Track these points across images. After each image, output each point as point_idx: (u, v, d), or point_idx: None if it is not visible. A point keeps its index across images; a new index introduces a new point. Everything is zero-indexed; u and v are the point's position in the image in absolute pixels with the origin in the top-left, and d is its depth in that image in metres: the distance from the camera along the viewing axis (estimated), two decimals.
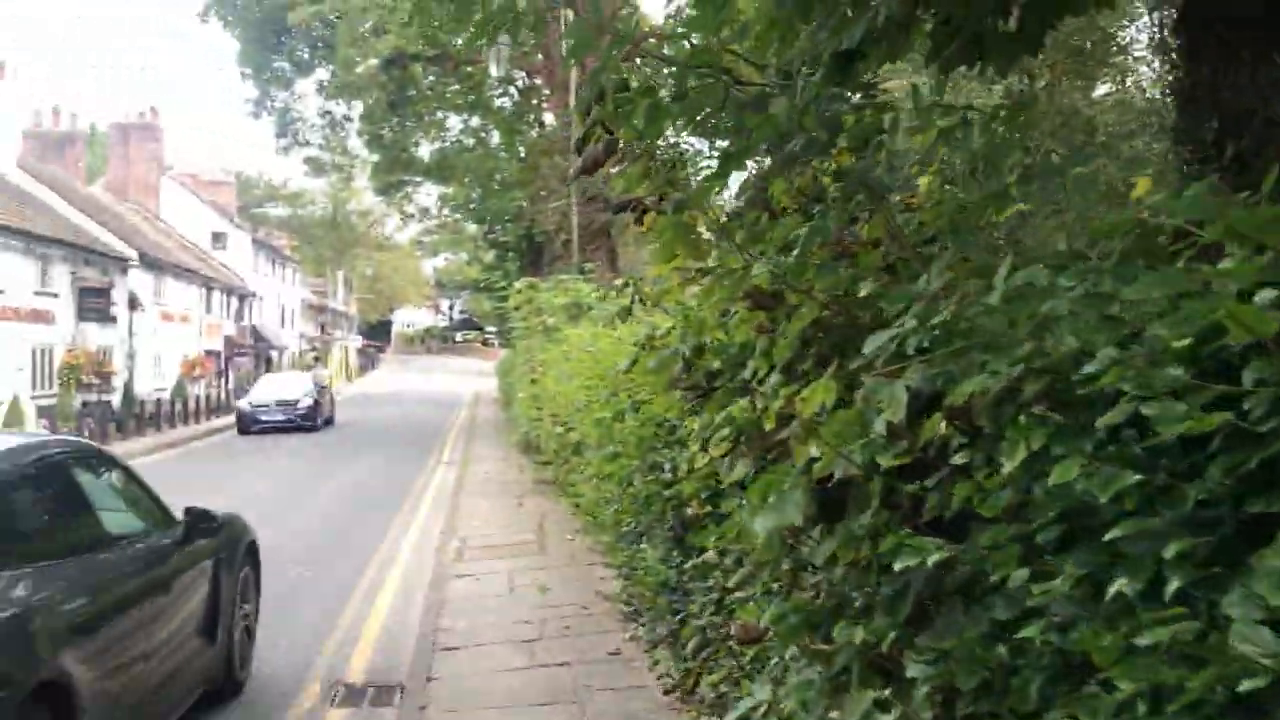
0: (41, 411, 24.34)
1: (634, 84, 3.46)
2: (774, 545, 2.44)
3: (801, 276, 2.66)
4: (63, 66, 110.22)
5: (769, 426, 2.67)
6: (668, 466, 5.18)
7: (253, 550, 6.73)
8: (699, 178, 3.80)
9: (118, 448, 23.88)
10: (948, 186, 2.93)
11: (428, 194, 45.09)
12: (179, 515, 5.73)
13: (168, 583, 5.25)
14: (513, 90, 38.28)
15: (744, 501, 2.94)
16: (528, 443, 15.95)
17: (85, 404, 26.92)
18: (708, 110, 3.46)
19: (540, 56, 29.83)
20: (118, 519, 5.26)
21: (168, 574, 5.29)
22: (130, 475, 5.82)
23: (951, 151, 2.76)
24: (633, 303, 6.09)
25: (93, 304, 27.67)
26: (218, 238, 50.37)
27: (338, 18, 23.60)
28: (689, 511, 4.53)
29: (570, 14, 21.67)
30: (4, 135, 30.40)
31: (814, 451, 2.16)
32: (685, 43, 3.49)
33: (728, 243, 3.27)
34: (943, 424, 1.88)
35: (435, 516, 14.22)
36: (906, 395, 1.93)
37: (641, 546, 6.20)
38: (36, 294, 24.84)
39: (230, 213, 54.32)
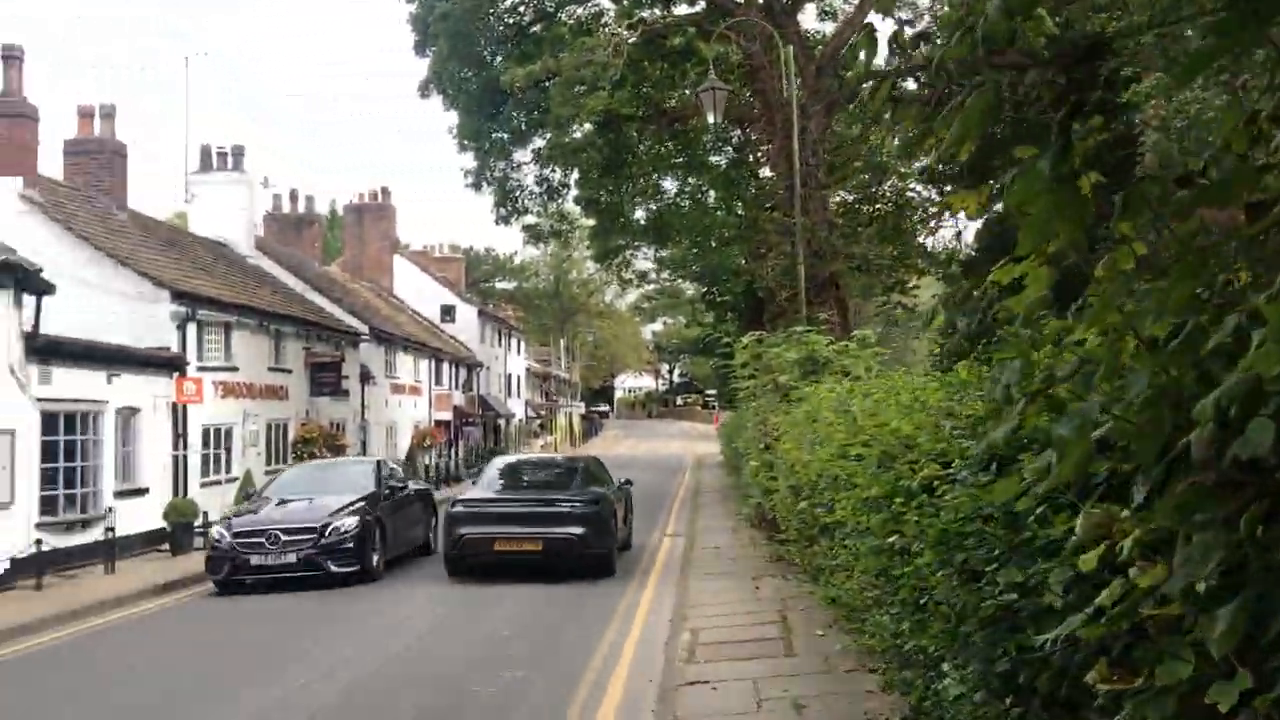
0: None
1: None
2: None
3: None
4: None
5: None
6: (1003, 582, 3.51)
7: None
8: None
9: None
10: None
11: (645, 258, 44.74)
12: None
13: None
14: (728, 149, 37.48)
15: None
16: (760, 515, 14.41)
17: None
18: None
19: (754, 106, 28.70)
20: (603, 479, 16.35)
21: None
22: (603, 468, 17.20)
23: None
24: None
25: (324, 378, 28.20)
26: (447, 311, 51.63)
27: (550, 79, 23.16)
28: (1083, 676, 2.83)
29: (792, 49, 20.37)
30: (240, 221, 31.76)
31: None
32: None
33: None
34: None
35: (662, 599, 12.81)
36: None
37: (944, 683, 4.50)
38: (270, 370, 25.40)
39: (459, 287, 55.82)
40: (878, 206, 38.30)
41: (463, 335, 50.81)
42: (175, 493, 20.32)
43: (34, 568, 14.73)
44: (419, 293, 50.88)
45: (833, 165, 28.28)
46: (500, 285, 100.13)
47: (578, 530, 14.31)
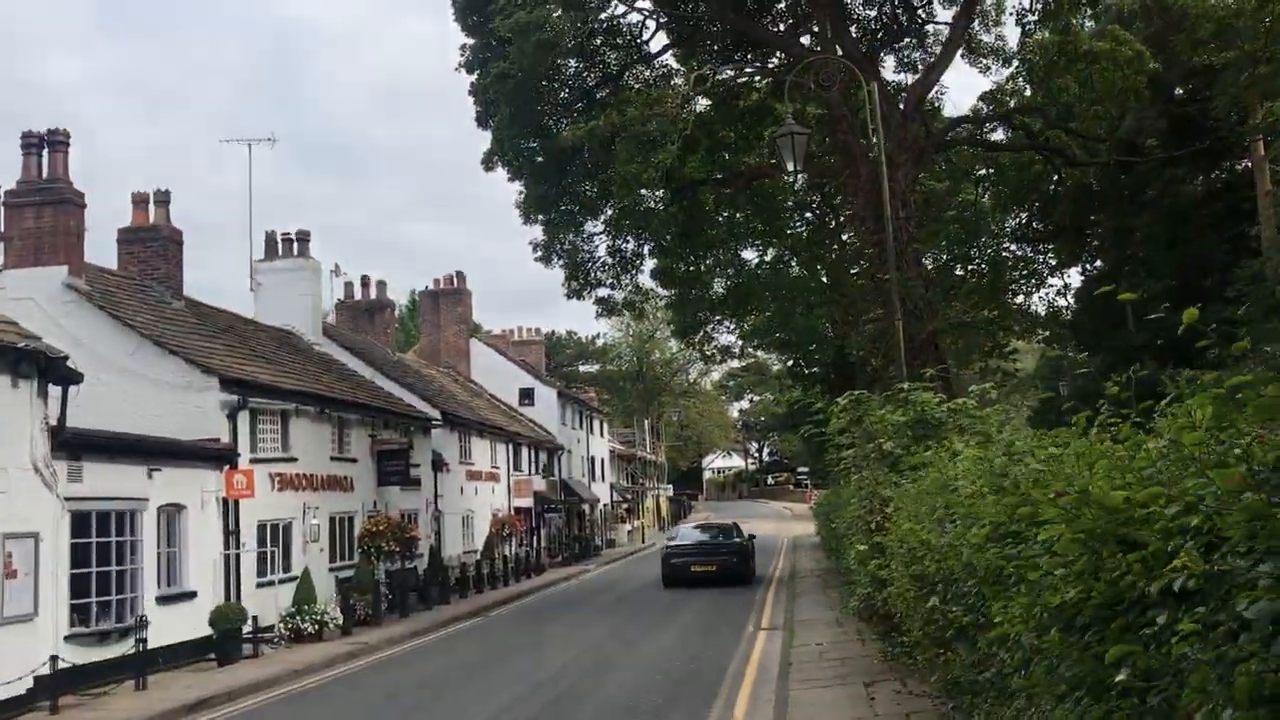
0: (340, 584, 23.12)
1: None
2: None
3: None
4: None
5: None
6: None
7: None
8: None
9: (400, 625, 22.06)
10: None
11: (727, 331, 42.87)
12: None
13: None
14: (808, 215, 35.75)
15: None
16: (871, 609, 12.26)
17: (390, 573, 25.67)
18: None
19: (834, 160, 26.97)
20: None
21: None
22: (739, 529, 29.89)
23: None
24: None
25: (392, 467, 26.73)
26: (525, 394, 50.30)
27: (616, 138, 21.67)
28: None
29: (876, 89, 18.63)
30: (305, 307, 30.83)
31: None
32: None
33: None
34: None
35: (759, 716, 10.70)
36: None
37: None
38: (333, 459, 24.00)
39: (539, 370, 54.56)
40: (972, 267, 36.18)
41: (542, 418, 49.33)
42: (227, 596, 18.80)
43: (52, 687, 13.16)
44: (497, 376, 49.69)
45: (922, 221, 26.33)
46: (583, 368, 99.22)
47: (735, 559, 28.44)
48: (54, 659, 13.13)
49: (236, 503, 19.37)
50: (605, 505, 59.82)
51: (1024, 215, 36.33)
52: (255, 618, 18.18)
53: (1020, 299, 37.44)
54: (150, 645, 16.38)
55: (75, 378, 14.71)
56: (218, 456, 19.02)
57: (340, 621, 20.57)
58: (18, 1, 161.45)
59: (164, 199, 23.61)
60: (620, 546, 57.93)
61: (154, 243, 23.53)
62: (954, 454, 7.81)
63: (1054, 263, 37.62)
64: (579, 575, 37.34)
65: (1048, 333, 39.73)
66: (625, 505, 66.89)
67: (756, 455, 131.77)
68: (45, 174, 19.88)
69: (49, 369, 14.25)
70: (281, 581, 20.85)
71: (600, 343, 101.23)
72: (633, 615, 22.14)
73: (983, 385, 11.69)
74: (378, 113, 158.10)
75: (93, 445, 15.51)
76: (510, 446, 40.62)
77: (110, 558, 15.76)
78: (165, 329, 20.85)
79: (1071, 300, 38.31)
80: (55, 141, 20.07)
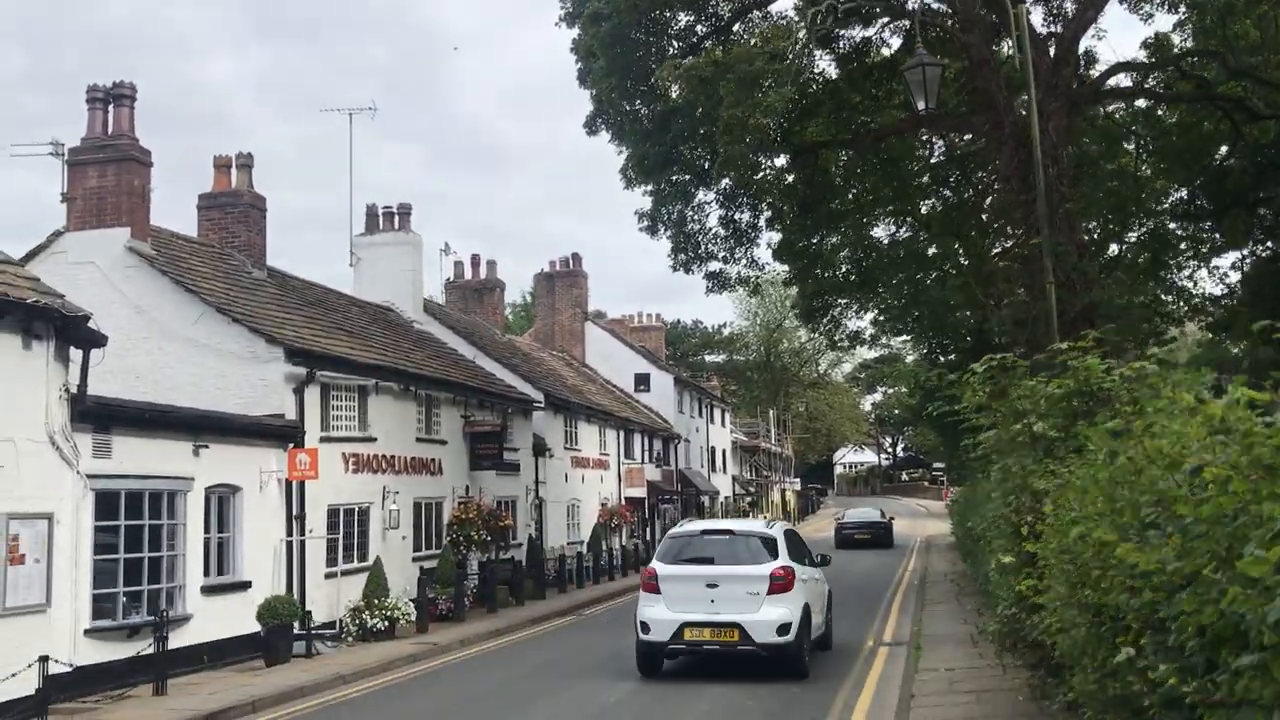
0: (424, 576, 21.39)
1: None
2: None
3: None
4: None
5: None
6: None
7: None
8: None
9: (484, 623, 20.15)
10: None
11: (856, 317, 39.85)
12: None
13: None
14: (945, 192, 32.54)
15: None
16: (1015, 633, 9.62)
17: (482, 564, 23.90)
18: None
19: (973, 112, 23.89)
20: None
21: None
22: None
23: None
24: None
25: (485, 450, 24.93)
26: (641, 380, 48.24)
27: (716, 84, 19.15)
28: None
29: (1025, 17, 15.75)
30: (406, 284, 29.36)
31: None
32: None
33: None
34: None
35: None
36: None
37: None
38: (419, 440, 22.27)
39: (657, 356, 52.42)
40: (1131, 239, 32.48)
41: (658, 405, 47.20)
42: (289, 588, 17.18)
43: (47, 689, 11.54)
44: (613, 361, 47.79)
45: (1076, 180, 23.09)
46: (709, 358, 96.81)
47: (881, 531, 44.61)
48: (44, 659, 11.48)
49: (303, 485, 17.72)
50: (726, 498, 57.38)
51: (1184, 191, 32.31)
52: (309, 613, 16.47)
53: (1186, 278, 33.49)
54: (194, 641, 14.92)
55: (98, 340, 13.14)
56: (280, 434, 17.40)
57: (413, 617, 18.75)
58: (182, 6, 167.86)
59: (247, 163, 22.27)
60: None
61: (234, 209, 22.20)
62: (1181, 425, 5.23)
63: (1219, 243, 33.47)
64: None
65: (1216, 315, 35.50)
66: (748, 498, 64.30)
67: (890, 450, 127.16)
68: (110, 130, 18.66)
69: (67, 329, 12.69)
70: (354, 572, 19.16)
71: (727, 332, 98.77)
72: None
73: (1167, 347, 8.89)
74: (516, 111, 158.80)
75: (123, 417, 13.94)
76: (621, 433, 38.59)
77: (143, 543, 14.16)
78: (237, 297, 19.40)
79: (1238, 286, 34.08)
80: (120, 96, 18.81)
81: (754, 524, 18.27)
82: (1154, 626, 4.47)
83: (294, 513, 17.62)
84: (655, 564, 14.29)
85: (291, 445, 17.52)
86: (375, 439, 20.47)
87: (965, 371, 9.23)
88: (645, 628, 13.51)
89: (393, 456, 21.07)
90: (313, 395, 18.51)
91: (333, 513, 18.93)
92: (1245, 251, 34.63)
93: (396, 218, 29.94)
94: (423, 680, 14.13)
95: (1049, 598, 6.56)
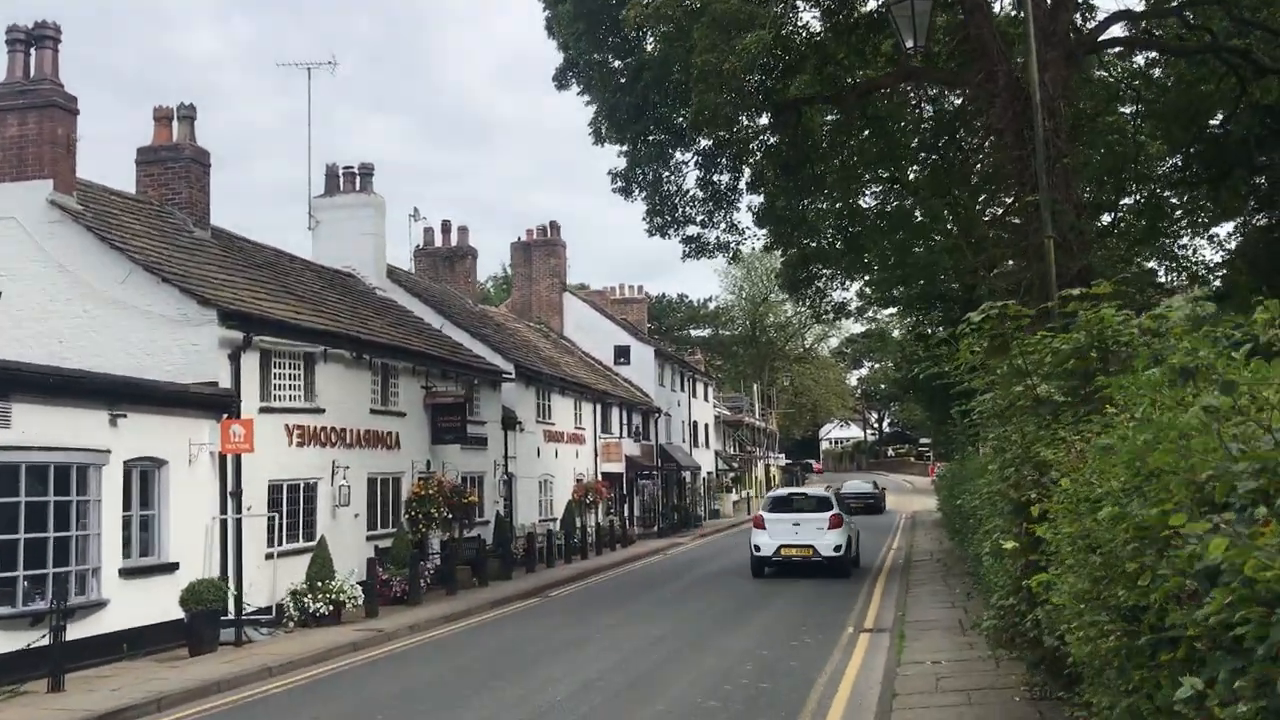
0: (380, 555, 20.11)
1: None
2: None
3: None
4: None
5: None
6: None
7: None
8: None
9: (441, 605, 18.86)
10: None
11: (842, 288, 38.49)
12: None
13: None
14: (933, 157, 31.15)
15: None
16: (1013, 627, 8.35)
17: (445, 543, 22.61)
18: None
19: (963, 59, 22.50)
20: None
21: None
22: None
23: None
24: None
25: (447, 422, 23.58)
26: (621, 353, 46.85)
27: (689, 27, 17.71)
28: None
29: None
30: (367, 248, 27.85)
31: None
32: None
33: None
34: None
35: None
36: None
37: None
38: (374, 412, 20.92)
39: (639, 329, 50.98)
40: (1127, 203, 31.22)
41: (638, 378, 45.87)
42: (223, 570, 15.85)
43: None
44: (592, 333, 46.38)
45: (1073, 136, 21.77)
46: (694, 332, 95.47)
47: (873, 500, 51.50)
48: None
49: (238, 459, 16.36)
50: (709, 473, 56.19)
51: (1180, 158, 30.99)
52: (238, 596, 15.16)
53: (1183, 246, 32.30)
54: (110, 629, 13.62)
55: None
56: (212, 403, 16.01)
57: (360, 601, 17.46)
58: None
59: (189, 114, 20.73)
60: (724, 518, 54.34)
61: (175, 163, 20.69)
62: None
63: (1216, 211, 32.23)
64: (670, 549, 33.87)
65: (1214, 285, 34.28)
66: (731, 474, 63.14)
67: (876, 426, 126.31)
68: (31, 74, 17.15)
69: None
70: (299, 553, 17.82)
71: (712, 306, 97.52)
72: (713, 604, 18.53)
73: (1191, 294, 7.57)
74: (505, 85, 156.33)
75: (25, 382, 12.56)
76: (598, 406, 37.27)
77: (48, 522, 12.80)
78: (172, 256, 17.95)
79: (1233, 255, 32.82)
80: (43, 38, 17.29)
81: (817, 490, 29.89)
82: (1227, 648, 3.20)
83: (229, 489, 16.27)
84: (761, 513, 24.34)
85: (225, 416, 16.14)
86: (323, 410, 19.09)
87: (961, 322, 7.92)
88: (757, 549, 23.36)
89: (343, 429, 19.71)
90: (251, 362, 17.11)
91: (274, 489, 17.57)
92: (1240, 220, 33.43)
93: (358, 178, 28.42)
94: (357, 672, 12.83)
95: (1061, 596, 5.27)
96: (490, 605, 19.43)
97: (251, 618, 15.65)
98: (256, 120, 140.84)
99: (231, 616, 14.75)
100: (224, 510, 16.14)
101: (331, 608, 16.79)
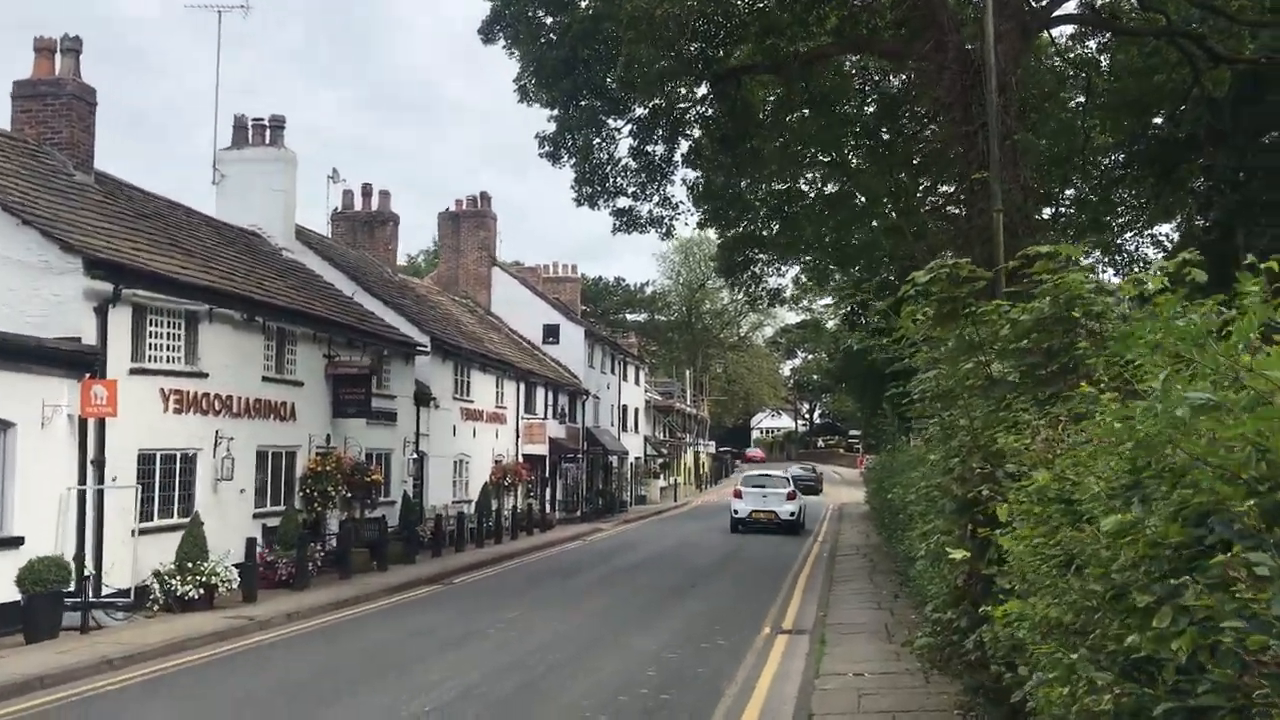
0: (269, 534, 18.56)
1: None
2: None
3: None
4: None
5: None
6: None
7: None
8: None
9: (330, 591, 17.36)
10: None
11: (778, 275, 37.45)
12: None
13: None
14: (872, 141, 30.13)
15: None
16: (953, 647, 7.10)
17: (344, 523, 21.08)
18: None
19: (911, 30, 21.41)
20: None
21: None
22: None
23: None
24: None
25: (350, 395, 22.03)
26: (550, 331, 45.34)
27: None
28: None
29: None
30: (275, 206, 26.06)
31: None
32: None
33: None
34: None
35: None
36: None
37: None
38: (267, 380, 19.30)
39: (572, 309, 49.46)
40: (1068, 200, 30.59)
41: (567, 359, 44.45)
42: (80, 544, 14.21)
43: None
44: (521, 311, 44.82)
45: (1023, 113, 20.85)
46: (630, 317, 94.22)
47: (812, 482, 59.65)
48: None
49: (102, 424, 14.72)
50: (637, 459, 54.99)
51: (1123, 153, 30.38)
52: (95, 577, 13.60)
53: (1125, 240, 31.78)
54: None
55: None
56: (72, 360, 14.33)
57: (236, 584, 15.89)
58: None
59: (73, 47, 18.89)
60: (650, 504, 53.22)
61: (56, 100, 18.80)
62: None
63: (1152, 210, 31.75)
64: (589, 535, 32.60)
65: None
66: (660, 460, 62.04)
67: (807, 417, 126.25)
68: None
69: None
70: (173, 529, 16.19)
71: (649, 291, 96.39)
72: (625, 597, 17.27)
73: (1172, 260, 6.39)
74: (456, 65, 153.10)
75: None
76: (522, 385, 35.79)
77: None
78: (40, 199, 16.15)
79: (1171, 256, 32.35)
80: None
81: (780, 471, 40.45)
82: None
83: (90, 457, 14.61)
84: (739, 487, 33.97)
85: (88, 375, 14.48)
86: (207, 375, 17.43)
87: (905, 283, 6.69)
88: (735, 512, 32.73)
89: (230, 397, 18.07)
90: (122, 317, 15.43)
91: (146, 459, 15.92)
92: (1179, 219, 32.96)
93: (268, 131, 26.58)
94: (209, 668, 11.33)
95: (1025, 629, 4.02)
96: (386, 592, 17.98)
97: (107, 601, 14.05)
98: (200, 88, 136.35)
99: (80, 599, 13.12)
100: (83, 480, 14.47)
101: (203, 591, 15.23)
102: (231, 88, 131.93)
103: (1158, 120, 27.94)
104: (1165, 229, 33.66)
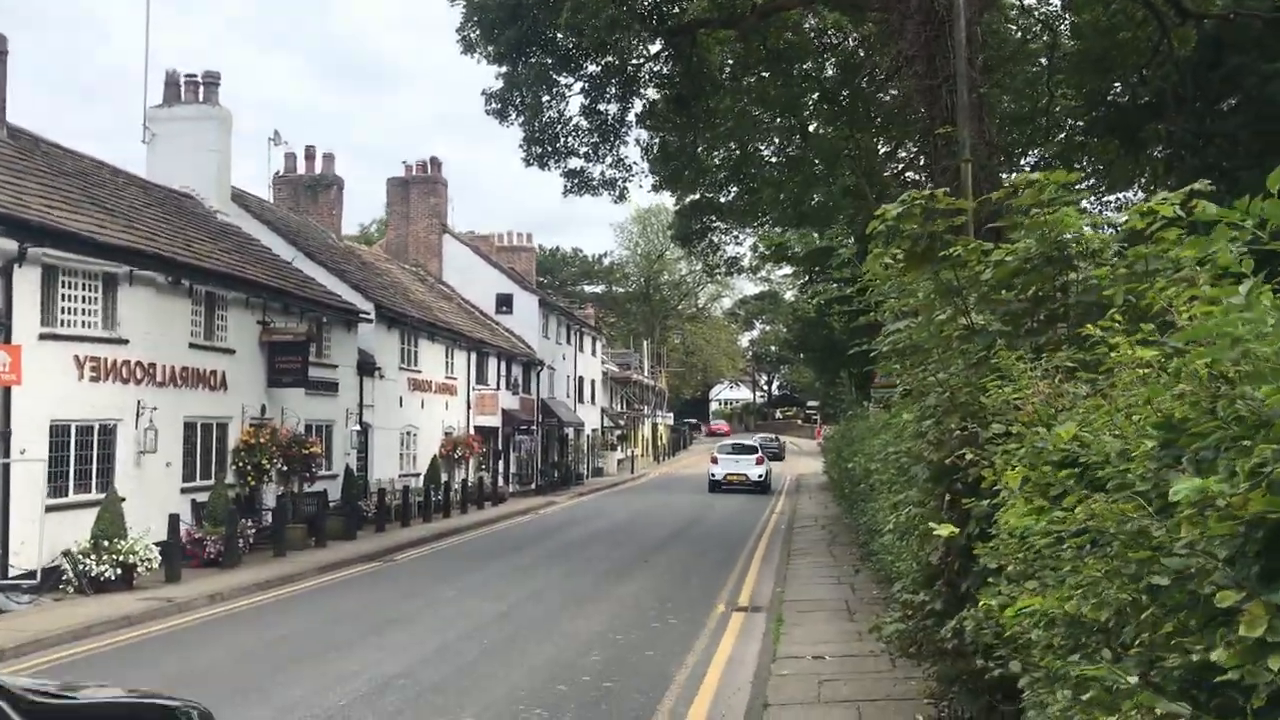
0: (197, 510, 17.56)
1: None
2: None
3: None
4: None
5: None
6: None
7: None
8: None
9: (263, 569, 16.39)
10: None
11: (736, 244, 36.66)
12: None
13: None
14: (832, 106, 29.32)
15: None
16: (926, 633, 6.37)
17: (281, 498, 20.10)
18: None
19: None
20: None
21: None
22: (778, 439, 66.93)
23: None
24: None
25: (286, 363, 21.00)
26: (503, 301, 44.28)
27: None
28: None
29: None
30: (209, 166, 24.77)
31: None
32: None
33: None
34: None
35: None
36: None
37: None
38: (195, 347, 18.22)
39: (526, 279, 48.36)
40: (1028, 165, 29.99)
41: (520, 328, 43.44)
42: None
43: None
44: (475, 280, 43.75)
45: (988, 67, 20.12)
46: (588, 288, 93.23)
47: (776, 447, 64.04)
48: None
49: (8, 393, 13.64)
50: (594, 430, 54.17)
51: (1085, 119, 29.82)
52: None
53: (1088, 206, 31.19)
54: None
55: None
56: None
57: (156, 564, 14.89)
58: None
59: None
60: (607, 476, 52.45)
61: None
62: None
63: (1113, 177, 31.24)
64: (544, 509, 31.76)
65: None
66: (618, 432, 61.27)
67: (765, 388, 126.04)
68: None
69: None
70: (90, 505, 15.14)
71: (607, 262, 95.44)
72: (574, 573, 16.46)
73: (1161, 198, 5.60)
74: (409, 28, 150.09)
75: None
76: (473, 355, 34.79)
77: None
78: None
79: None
80: None
81: (750, 441, 46.53)
82: None
83: None
84: (715, 454, 40.63)
85: None
86: (127, 341, 16.33)
87: (874, 218, 5.86)
88: (713, 475, 38.76)
89: (152, 365, 16.98)
90: (29, 278, 14.30)
91: (59, 430, 14.85)
92: (1138, 187, 32.52)
93: (201, 88, 25.24)
94: (110, 657, 10.39)
95: (1028, 624, 3.23)
96: (321, 570, 17.06)
97: (11, 583, 13.03)
98: (155, 55, 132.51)
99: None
100: None
101: (120, 571, 14.23)
102: (184, 52, 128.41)
103: (1119, 85, 27.40)
104: (1127, 195, 33.24)
